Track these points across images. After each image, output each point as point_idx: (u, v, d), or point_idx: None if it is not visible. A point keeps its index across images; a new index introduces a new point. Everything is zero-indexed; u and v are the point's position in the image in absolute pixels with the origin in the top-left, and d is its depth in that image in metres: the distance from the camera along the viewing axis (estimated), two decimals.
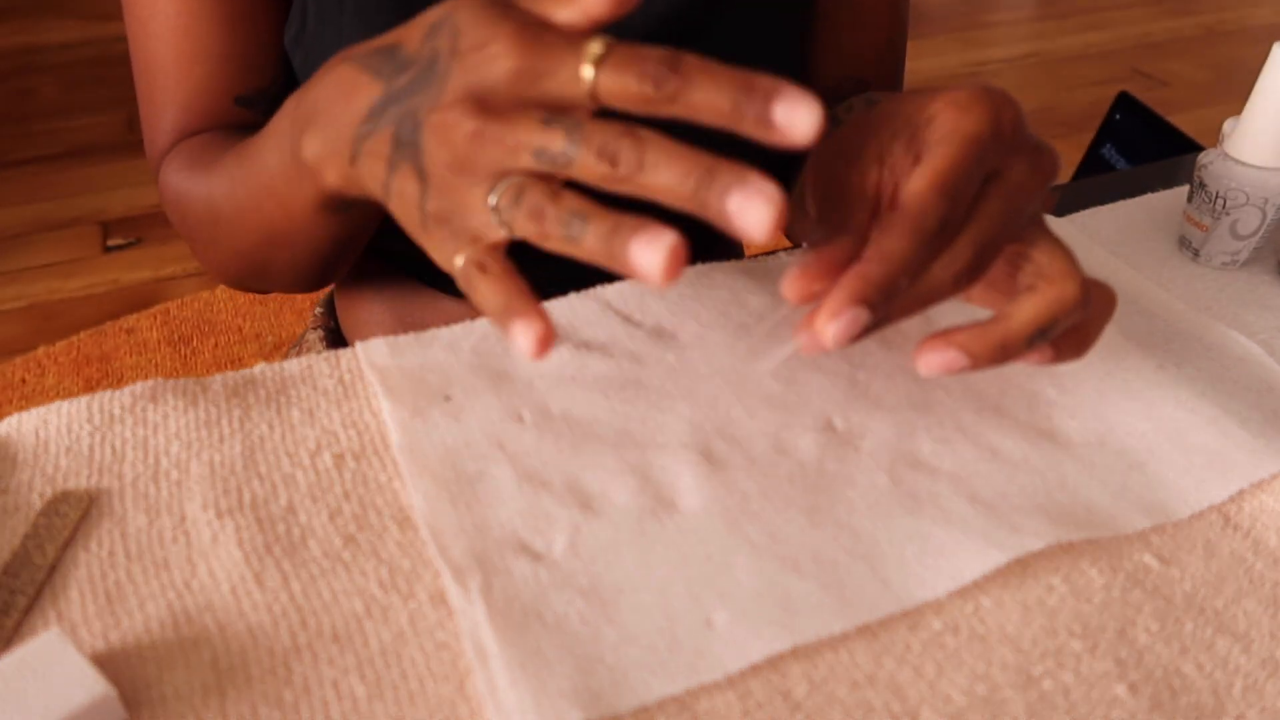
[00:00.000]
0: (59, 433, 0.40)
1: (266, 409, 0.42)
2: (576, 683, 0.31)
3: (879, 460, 0.40)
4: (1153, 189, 0.62)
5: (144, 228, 1.86)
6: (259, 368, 0.44)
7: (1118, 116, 1.32)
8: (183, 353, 1.56)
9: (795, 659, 0.32)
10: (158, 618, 0.33)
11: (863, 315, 0.34)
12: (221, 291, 1.67)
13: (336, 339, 0.71)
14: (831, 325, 0.34)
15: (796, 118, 0.31)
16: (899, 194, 0.36)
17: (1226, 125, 0.53)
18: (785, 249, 0.54)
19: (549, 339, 0.33)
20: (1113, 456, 0.41)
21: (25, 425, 0.40)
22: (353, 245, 0.51)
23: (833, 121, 0.43)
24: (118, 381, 1.48)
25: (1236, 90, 2.43)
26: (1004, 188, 0.36)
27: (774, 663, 0.32)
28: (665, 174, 0.32)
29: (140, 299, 1.68)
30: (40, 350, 1.54)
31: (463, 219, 0.36)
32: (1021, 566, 0.36)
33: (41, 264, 1.77)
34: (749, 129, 0.32)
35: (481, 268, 0.35)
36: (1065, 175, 1.58)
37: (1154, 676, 0.33)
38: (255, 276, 0.56)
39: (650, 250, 0.31)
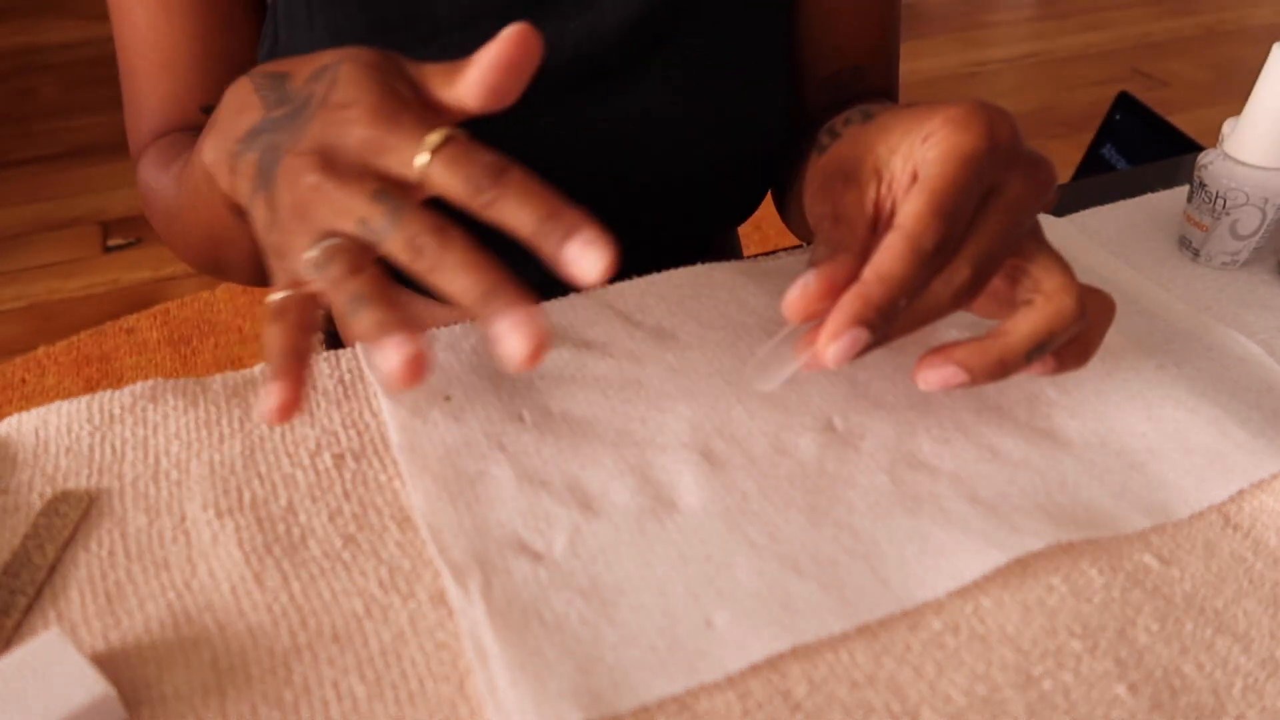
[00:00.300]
0: (59, 433, 0.40)
1: None
2: (576, 683, 0.31)
3: (879, 460, 0.40)
4: (1153, 189, 0.62)
5: (144, 228, 1.86)
6: (259, 367, 0.44)
7: (1118, 116, 1.32)
8: (183, 353, 1.56)
9: (795, 659, 0.32)
10: (158, 618, 0.33)
11: (863, 336, 0.35)
12: (221, 291, 1.67)
13: (335, 343, 0.71)
14: (832, 346, 0.35)
15: (586, 259, 0.33)
16: (897, 213, 0.36)
17: (1226, 125, 0.53)
18: (785, 249, 0.54)
19: (285, 412, 0.35)
20: (1113, 456, 0.41)
21: (25, 425, 0.40)
22: None
23: (829, 135, 0.43)
24: (118, 381, 1.48)
25: (1236, 90, 2.43)
26: (1002, 203, 0.37)
27: (774, 663, 0.32)
28: (455, 280, 0.34)
29: (140, 299, 1.68)
30: (40, 350, 1.54)
31: (291, 259, 0.38)
32: (1021, 566, 0.36)
33: (41, 264, 1.77)
34: (545, 254, 0.34)
35: (282, 311, 0.37)
36: (1065, 175, 1.58)
37: (1154, 676, 0.33)
38: (213, 269, 0.58)
39: (390, 356, 0.33)
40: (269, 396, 0.35)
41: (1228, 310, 0.51)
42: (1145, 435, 0.42)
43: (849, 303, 0.35)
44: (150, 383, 0.42)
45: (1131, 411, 0.43)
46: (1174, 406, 0.43)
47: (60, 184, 2.01)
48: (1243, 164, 0.51)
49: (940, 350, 0.38)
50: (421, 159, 0.35)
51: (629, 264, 0.52)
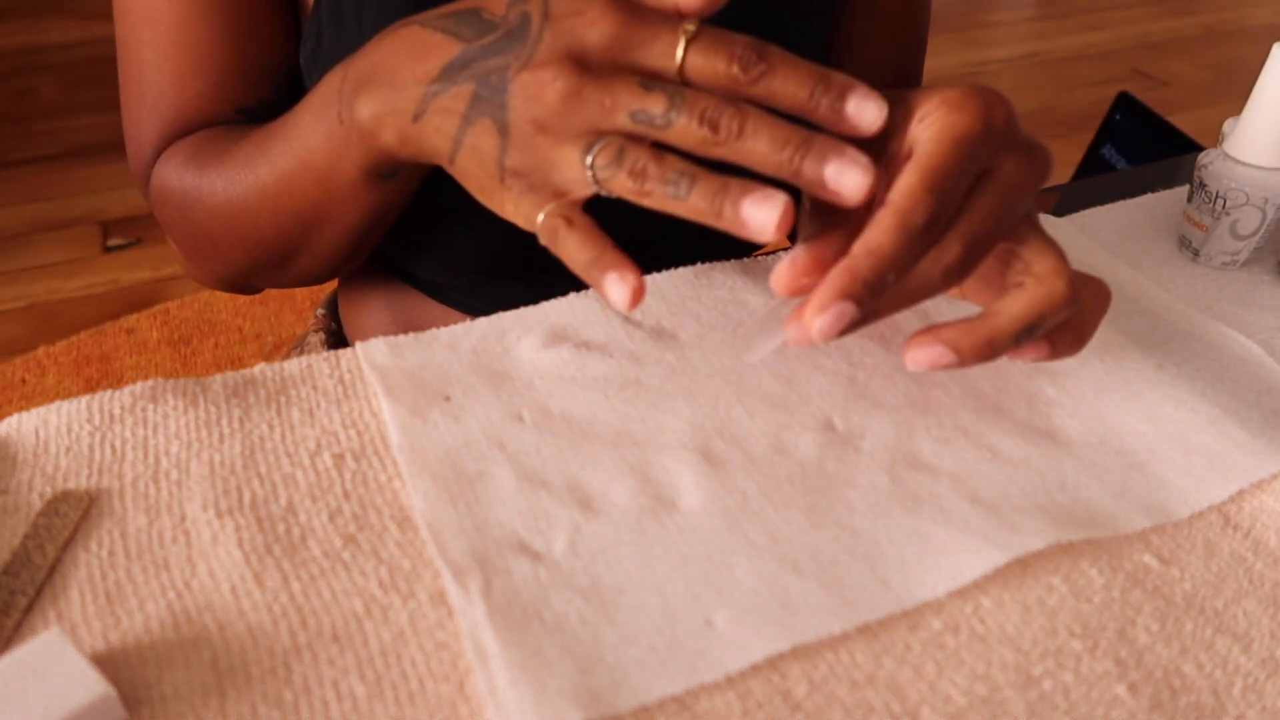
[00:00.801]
0: (59, 433, 0.40)
1: (266, 409, 0.42)
2: (576, 683, 0.31)
3: (879, 460, 0.40)
4: (1153, 189, 0.62)
5: (144, 228, 1.86)
6: (259, 368, 0.44)
7: (1118, 116, 1.32)
8: (183, 353, 1.56)
9: (795, 659, 0.32)
10: (158, 618, 0.33)
11: (849, 310, 0.34)
12: (222, 291, 1.67)
13: (338, 341, 0.71)
14: (818, 319, 0.34)
15: (866, 111, 0.35)
16: (890, 191, 0.36)
17: (1226, 125, 0.53)
18: (785, 249, 0.54)
19: (640, 291, 0.35)
20: (1113, 456, 0.41)
21: (25, 425, 0.40)
22: (382, 225, 0.51)
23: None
24: (118, 381, 1.48)
25: (1236, 90, 2.43)
26: (995, 185, 0.37)
27: (774, 663, 0.32)
28: (764, 141, 0.34)
29: (140, 299, 1.68)
30: (40, 350, 1.54)
31: (545, 175, 0.37)
32: (1021, 566, 0.36)
33: (41, 264, 1.77)
34: (821, 117, 0.35)
35: (569, 222, 0.37)
36: (1065, 175, 1.58)
37: (1154, 676, 0.33)
38: (271, 269, 0.55)
39: (763, 209, 0.34)
40: (619, 286, 0.35)
41: (1228, 310, 0.51)
42: (1145, 435, 0.42)
43: (836, 276, 0.34)
44: (150, 383, 0.42)
45: (1131, 411, 0.43)
46: (1174, 406, 0.43)
47: (60, 184, 2.01)
48: (1243, 164, 0.51)
49: (928, 330, 0.37)
50: (679, 46, 0.35)
51: (654, 269, 0.51)
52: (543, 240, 0.38)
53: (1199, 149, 0.87)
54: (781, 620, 0.33)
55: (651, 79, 0.36)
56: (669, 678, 0.31)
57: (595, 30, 0.36)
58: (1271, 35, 2.83)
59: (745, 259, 0.52)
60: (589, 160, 0.36)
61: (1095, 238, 0.57)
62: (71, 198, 1.96)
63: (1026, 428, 0.42)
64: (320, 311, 0.74)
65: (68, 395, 1.41)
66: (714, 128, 0.35)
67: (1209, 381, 0.45)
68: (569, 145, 0.37)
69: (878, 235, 0.35)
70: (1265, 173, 0.50)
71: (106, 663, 0.32)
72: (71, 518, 0.36)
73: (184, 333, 1.59)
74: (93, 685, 0.29)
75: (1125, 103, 1.30)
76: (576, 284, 0.49)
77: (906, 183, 0.35)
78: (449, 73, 0.39)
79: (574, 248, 0.36)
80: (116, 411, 0.41)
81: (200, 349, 1.56)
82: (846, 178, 0.34)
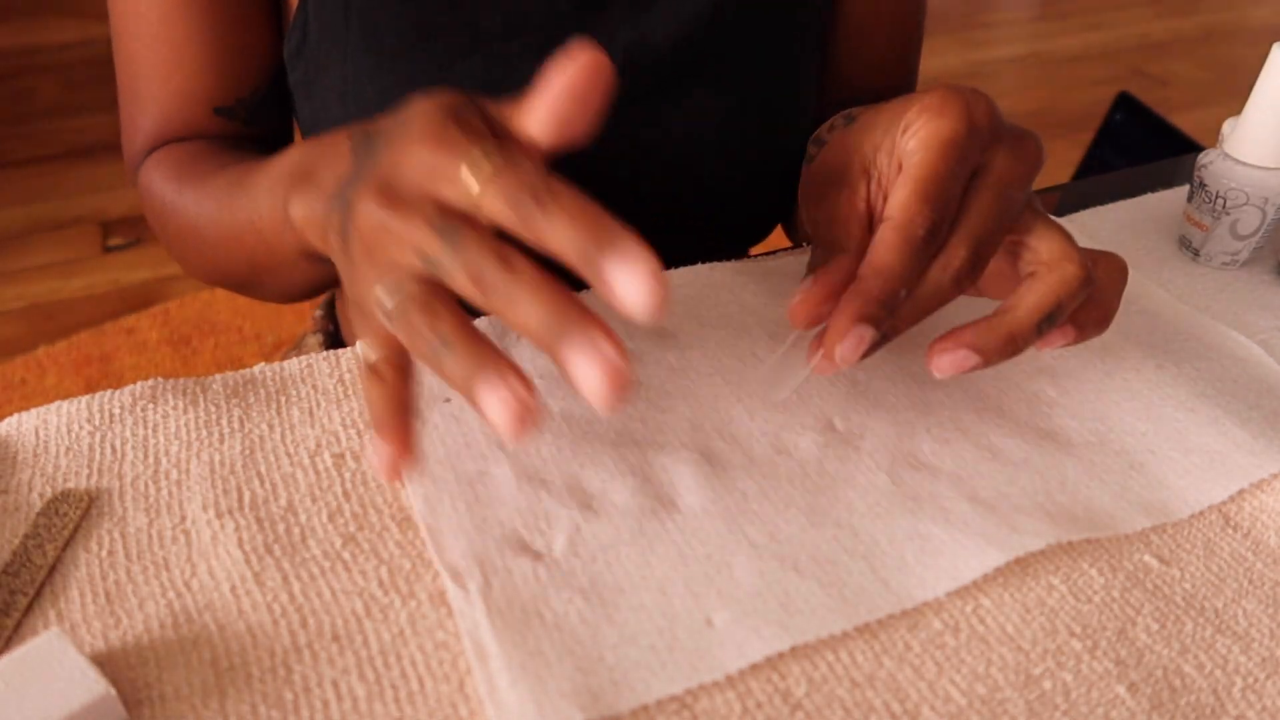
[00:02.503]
0: (59, 432, 0.40)
1: (266, 409, 0.42)
2: (576, 682, 0.31)
3: (879, 460, 0.40)
4: (1153, 189, 0.62)
5: (144, 228, 1.86)
6: (259, 367, 0.44)
7: (1118, 117, 1.32)
8: (183, 353, 1.56)
9: (795, 659, 0.32)
10: (158, 618, 0.33)
11: (867, 332, 0.35)
12: (222, 291, 1.67)
13: (336, 343, 0.71)
14: (839, 346, 0.35)
15: (631, 289, 0.30)
16: (888, 207, 0.36)
17: (1226, 125, 0.53)
18: (785, 249, 0.54)
19: (398, 465, 0.34)
20: (1113, 456, 0.41)
21: (25, 425, 0.40)
22: (330, 284, 0.52)
23: (815, 145, 0.43)
24: (118, 381, 1.48)
25: (1236, 90, 2.43)
26: (989, 181, 0.37)
27: (774, 662, 0.32)
28: (527, 313, 0.31)
29: (140, 299, 1.68)
30: (40, 350, 1.54)
31: (367, 308, 0.36)
32: (1021, 566, 0.36)
33: (41, 264, 1.77)
34: (591, 280, 0.31)
35: (374, 370, 0.36)
36: (1065, 175, 1.58)
37: (1154, 676, 0.33)
38: (236, 290, 0.56)
39: (498, 410, 0.31)
40: (376, 454, 0.34)
41: (1228, 310, 0.51)
42: (1145, 435, 0.42)
43: (849, 301, 0.35)
44: (150, 383, 0.42)
45: (1131, 411, 0.43)
46: (1174, 406, 0.43)
47: (60, 184, 2.01)
48: (1243, 164, 0.51)
49: (949, 335, 0.37)
50: (473, 185, 0.32)
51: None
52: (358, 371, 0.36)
53: (1199, 149, 0.87)
54: (781, 620, 0.33)
55: (446, 215, 0.33)
56: (669, 677, 0.31)
57: (409, 154, 0.34)
58: (1271, 35, 2.83)
59: (745, 259, 0.52)
60: (380, 298, 0.34)
61: (1095, 238, 0.57)
62: (71, 198, 1.96)
63: (1027, 428, 0.42)
64: (318, 313, 0.74)
65: (68, 395, 1.41)
66: (479, 284, 0.32)
67: (1209, 381, 0.45)
68: (375, 279, 0.35)
69: (883, 253, 0.35)
70: (1265, 173, 0.50)
71: (106, 663, 0.32)
72: (71, 518, 0.36)
73: (184, 333, 1.59)
74: (93, 685, 0.29)
75: (1125, 103, 1.30)
76: (575, 281, 0.49)
77: (902, 196, 0.35)
78: (338, 192, 0.38)
79: (370, 393, 0.35)
80: (116, 411, 0.41)
81: (200, 349, 1.56)
82: (587, 374, 0.30)
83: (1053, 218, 0.39)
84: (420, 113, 0.35)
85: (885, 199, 0.38)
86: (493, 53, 0.52)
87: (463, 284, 0.32)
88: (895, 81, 0.63)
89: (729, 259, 0.54)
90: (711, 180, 0.58)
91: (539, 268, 0.32)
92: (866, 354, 0.36)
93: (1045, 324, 0.37)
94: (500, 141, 0.34)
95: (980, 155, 0.37)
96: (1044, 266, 0.37)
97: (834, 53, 0.61)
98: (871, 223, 0.38)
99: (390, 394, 0.35)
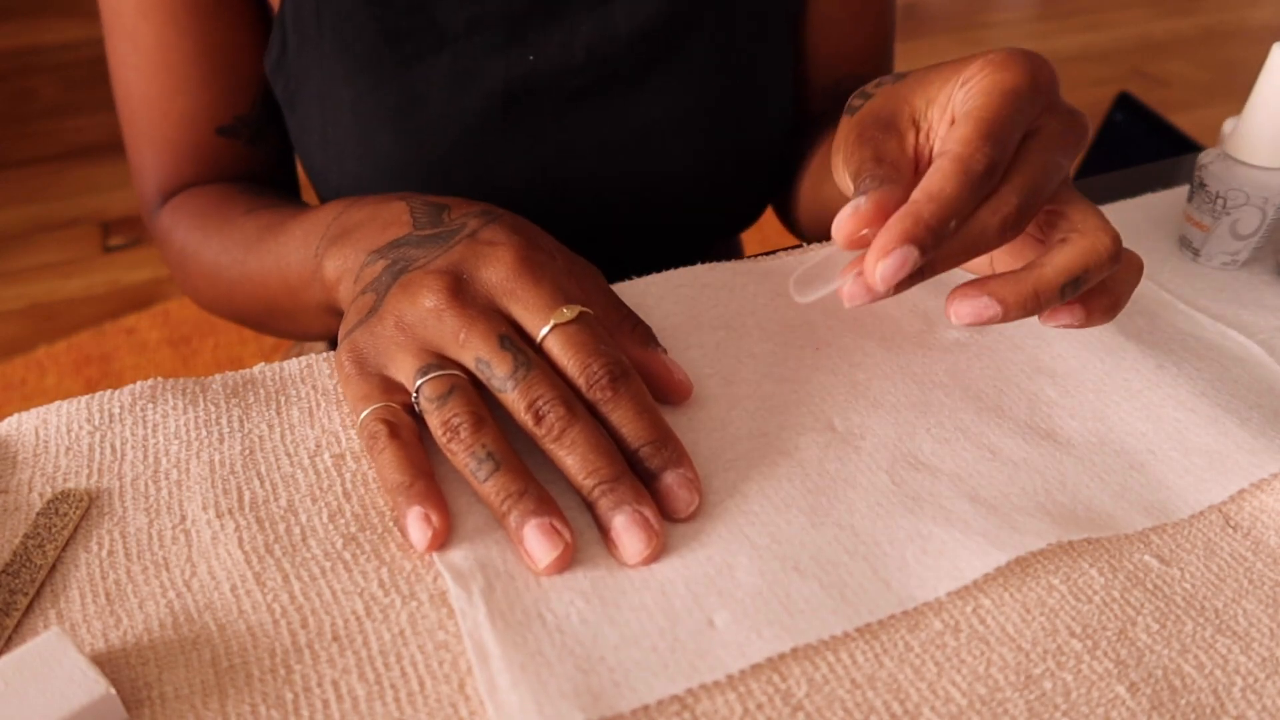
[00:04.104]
0: (59, 432, 0.40)
1: (266, 409, 0.42)
2: (577, 683, 0.31)
3: (879, 460, 0.40)
4: (1153, 189, 0.62)
5: (144, 228, 1.86)
6: (259, 367, 0.44)
7: (1118, 117, 1.32)
8: (183, 353, 1.56)
9: (795, 659, 0.32)
10: (158, 618, 0.33)
11: (912, 254, 0.34)
12: None
13: (336, 342, 0.71)
14: (881, 264, 0.34)
15: (677, 498, 0.36)
16: (944, 143, 0.36)
17: (1226, 125, 0.53)
18: (785, 249, 0.54)
19: (442, 536, 0.35)
20: (1113, 456, 0.41)
21: (25, 425, 0.40)
22: None
23: (861, 97, 0.43)
24: (118, 381, 1.48)
25: (1236, 90, 2.43)
26: (1041, 141, 0.37)
27: (774, 663, 0.32)
28: (574, 460, 0.35)
29: (140, 299, 1.68)
30: (40, 350, 1.54)
31: (379, 362, 0.39)
32: (1021, 566, 0.36)
33: (41, 264, 1.77)
34: (640, 473, 0.36)
35: (393, 431, 0.37)
36: None
37: (1154, 676, 0.33)
38: (246, 326, 0.58)
39: (541, 544, 0.34)
40: (421, 528, 0.35)
41: (1228, 310, 0.51)
42: (1145, 435, 0.42)
43: (898, 220, 0.34)
44: (150, 382, 0.42)
45: (1131, 411, 0.43)
46: (1174, 406, 0.43)
47: (60, 184, 2.01)
48: (1243, 164, 0.51)
49: (973, 283, 0.37)
50: (546, 326, 0.37)
51: (632, 266, 0.52)
52: (360, 438, 0.38)
53: (1199, 149, 0.87)
54: (782, 620, 0.33)
55: (512, 335, 0.37)
56: (669, 678, 0.31)
57: (494, 267, 0.38)
58: (1271, 35, 2.83)
59: (745, 259, 0.52)
60: (419, 380, 0.37)
61: None
62: (71, 198, 1.96)
63: (1027, 428, 0.42)
64: None
65: (68, 395, 1.41)
66: (537, 420, 0.36)
67: (1209, 381, 0.45)
68: (412, 354, 0.38)
69: (939, 180, 0.34)
70: (1265, 173, 0.50)
71: (106, 663, 0.32)
72: (71, 518, 0.36)
73: (184, 333, 1.59)
74: (93, 685, 0.29)
75: (1125, 103, 1.30)
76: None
77: (964, 132, 0.35)
78: (386, 249, 0.41)
79: (388, 462, 0.36)
80: (116, 411, 0.41)
81: (200, 349, 1.56)
82: (628, 539, 0.34)
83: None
84: (507, 226, 0.39)
85: (931, 152, 0.38)
86: (460, 51, 0.52)
87: (519, 412, 0.36)
88: (873, 68, 0.64)
89: (699, 251, 0.54)
90: (676, 172, 0.58)
91: (595, 424, 0.36)
92: (901, 286, 0.35)
93: (1069, 287, 0.37)
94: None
95: (1037, 115, 0.37)
96: (1077, 234, 0.37)
97: (811, 41, 0.62)
98: (917, 170, 0.38)
99: (412, 454, 0.36)
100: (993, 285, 0.36)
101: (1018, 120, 0.35)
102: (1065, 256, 0.36)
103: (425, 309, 0.37)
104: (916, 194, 0.34)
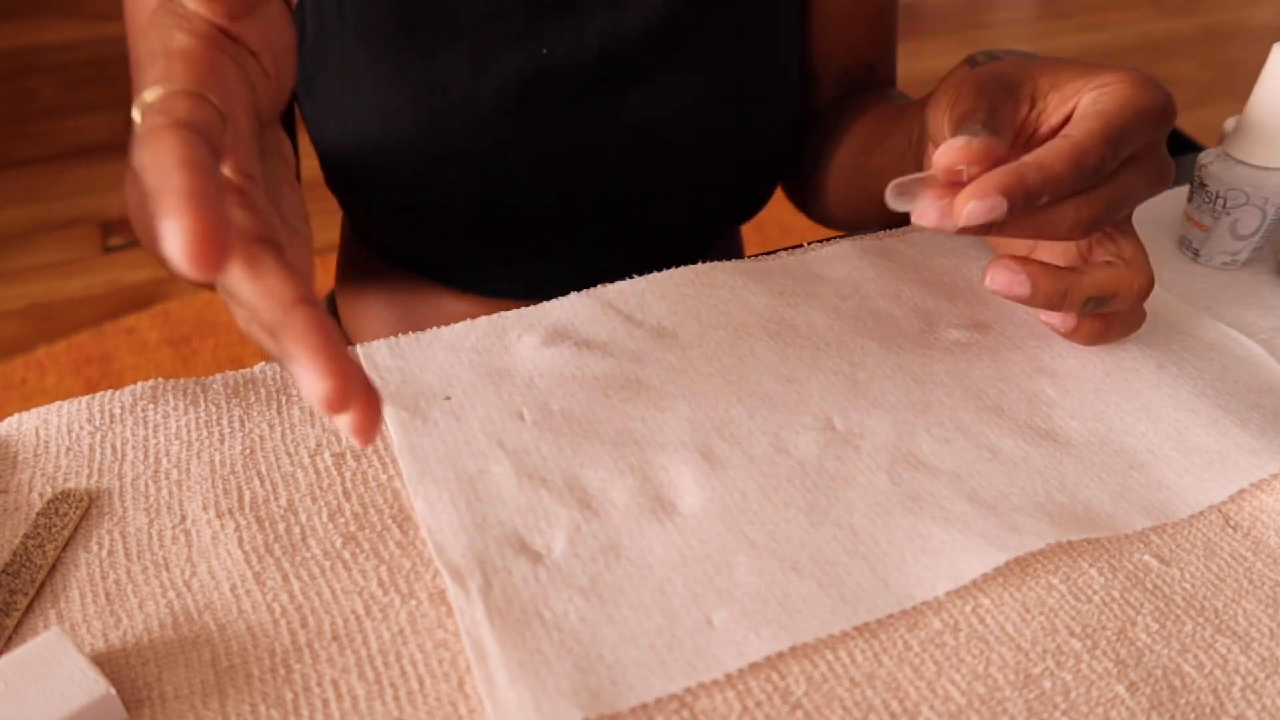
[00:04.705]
0: (59, 433, 0.40)
1: (267, 408, 0.42)
2: (576, 682, 0.31)
3: (879, 460, 0.40)
4: None
5: None
6: (259, 367, 0.44)
7: None
8: (183, 353, 1.56)
9: (795, 658, 0.32)
10: (158, 618, 0.33)
11: (1002, 206, 0.36)
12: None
13: None
14: (972, 203, 0.36)
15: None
16: (1070, 129, 0.37)
17: (1226, 125, 0.53)
18: (786, 249, 0.54)
19: (205, 246, 0.23)
20: (1113, 456, 0.41)
21: (25, 425, 0.40)
22: None
23: (985, 56, 0.46)
24: (118, 381, 1.48)
25: (1236, 90, 2.43)
26: (1139, 168, 0.39)
27: (773, 662, 0.32)
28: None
29: (140, 299, 1.68)
30: (40, 350, 1.54)
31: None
32: (1021, 566, 0.36)
33: (41, 264, 1.77)
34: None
35: (164, 125, 0.25)
36: None
37: (1154, 676, 0.33)
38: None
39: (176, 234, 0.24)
40: (175, 234, 0.23)
41: (1228, 310, 0.51)
42: (1145, 435, 0.42)
43: (1003, 173, 0.36)
44: (150, 383, 0.42)
45: (1131, 411, 0.43)
46: (1174, 406, 0.43)
47: (60, 184, 2.01)
48: (1243, 164, 0.51)
49: (1019, 259, 0.40)
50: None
51: (635, 262, 0.52)
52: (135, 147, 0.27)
53: (1199, 149, 0.87)
54: (781, 619, 0.33)
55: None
56: (668, 677, 0.31)
57: None
58: (1271, 35, 2.83)
59: (745, 259, 0.52)
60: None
61: None
62: (71, 198, 1.96)
63: (1026, 428, 0.42)
64: None
65: (68, 395, 1.41)
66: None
67: (1209, 381, 0.45)
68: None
69: (1053, 156, 0.36)
70: (1265, 173, 0.50)
71: (106, 663, 0.32)
72: (71, 518, 0.36)
73: (184, 333, 1.59)
74: (93, 685, 0.29)
75: None
76: (575, 283, 0.50)
77: (1091, 126, 0.37)
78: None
79: (149, 160, 0.25)
80: (117, 411, 0.41)
81: (200, 349, 1.56)
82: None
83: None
84: None
85: (1038, 132, 0.40)
86: (475, 41, 0.53)
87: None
88: (879, 57, 0.64)
89: (702, 242, 0.54)
90: (684, 164, 0.59)
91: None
92: (979, 229, 0.37)
93: (1093, 302, 0.40)
94: None
95: (1147, 143, 0.39)
96: (1123, 262, 0.40)
97: (816, 34, 0.62)
98: (1015, 142, 0.40)
99: (178, 147, 0.25)
100: (1034, 269, 0.40)
101: (1135, 138, 0.38)
102: (1104, 275, 0.40)
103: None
104: (1029, 158, 0.36)
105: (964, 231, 0.37)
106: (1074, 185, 0.37)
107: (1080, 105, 0.39)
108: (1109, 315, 0.42)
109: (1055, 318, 0.42)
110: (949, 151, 0.37)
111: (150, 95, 0.27)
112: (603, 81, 0.55)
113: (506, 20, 0.53)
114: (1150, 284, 0.40)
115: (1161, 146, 0.40)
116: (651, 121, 0.57)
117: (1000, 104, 0.39)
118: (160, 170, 0.24)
